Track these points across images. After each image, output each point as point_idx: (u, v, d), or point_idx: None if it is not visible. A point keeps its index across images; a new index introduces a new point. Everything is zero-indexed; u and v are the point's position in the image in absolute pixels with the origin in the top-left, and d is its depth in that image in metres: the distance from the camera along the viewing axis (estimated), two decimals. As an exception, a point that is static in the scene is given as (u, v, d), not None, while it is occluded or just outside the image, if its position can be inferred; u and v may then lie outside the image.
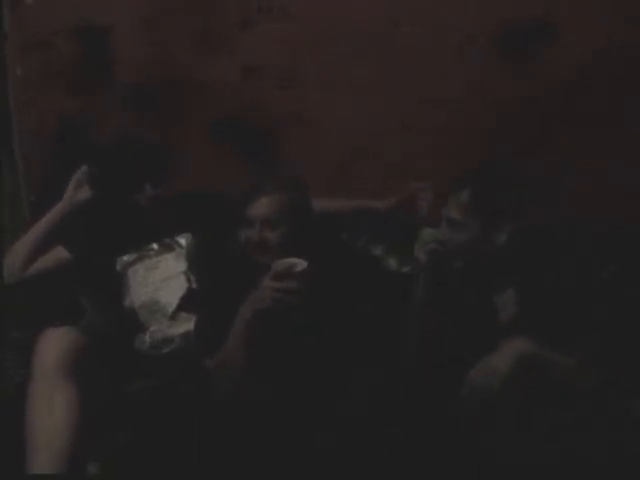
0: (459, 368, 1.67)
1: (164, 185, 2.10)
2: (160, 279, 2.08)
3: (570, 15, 2.07)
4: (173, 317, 2.05)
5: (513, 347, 1.58)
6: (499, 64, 2.16)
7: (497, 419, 1.56)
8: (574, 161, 2.13)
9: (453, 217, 1.76)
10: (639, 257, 1.92)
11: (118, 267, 2.11)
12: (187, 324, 2.02)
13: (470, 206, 1.75)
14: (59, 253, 2.13)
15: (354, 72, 2.31)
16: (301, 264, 1.57)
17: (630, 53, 2.04)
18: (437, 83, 2.23)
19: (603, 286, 1.81)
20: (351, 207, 2.22)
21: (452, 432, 1.58)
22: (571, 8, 2.07)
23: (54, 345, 1.68)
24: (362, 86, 2.31)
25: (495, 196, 1.77)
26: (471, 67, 2.19)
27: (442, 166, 2.23)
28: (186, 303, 2.05)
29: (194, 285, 2.08)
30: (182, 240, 2.13)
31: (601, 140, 2.11)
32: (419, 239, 1.80)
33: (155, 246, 2.13)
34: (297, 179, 2.00)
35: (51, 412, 1.61)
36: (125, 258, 2.11)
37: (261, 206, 1.90)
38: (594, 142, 2.12)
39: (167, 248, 2.13)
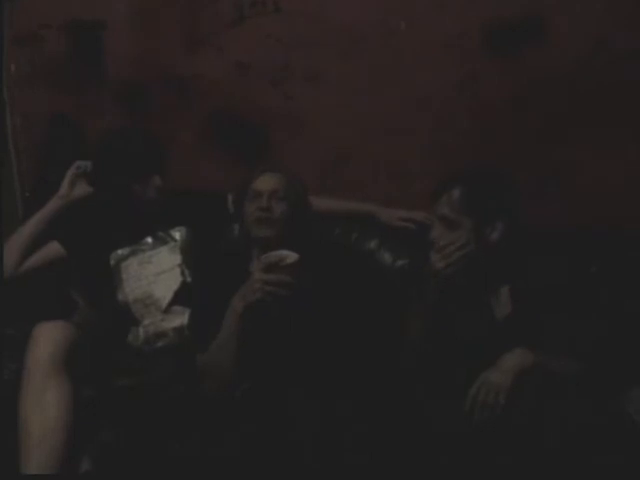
0: (455, 366, 1.67)
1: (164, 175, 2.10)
2: (154, 273, 2.07)
3: (563, 14, 2.07)
4: (167, 311, 2.04)
5: (514, 361, 1.58)
6: (492, 64, 2.15)
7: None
8: (574, 161, 2.12)
9: (446, 214, 1.75)
10: (638, 257, 1.91)
11: (112, 261, 2.10)
12: (180, 317, 2.02)
13: (463, 203, 1.74)
14: (53, 248, 2.11)
15: (347, 69, 2.30)
16: (292, 256, 1.58)
17: (628, 52, 2.03)
18: (430, 82, 2.22)
19: (597, 285, 1.80)
20: (350, 209, 2.22)
21: (450, 431, 1.57)
22: (563, 7, 2.06)
23: (48, 339, 1.68)
24: (355, 83, 2.30)
25: (487, 193, 1.76)
26: (465, 67, 2.18)
27: (435, 166, 2.22)
28: (180, 296, 2.04)
29: (188, 279, 2.07)
30: (176, 234, 2.13)
31: (601, 140, 2.10)
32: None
33: (149, 240, 2.12)
34: (292, 170, 2.01)
35: (44, 407, 1.61)
36: (119, 252, 2.10)
37: (269, 180, 1.93)
38: (594, 142, 2.10)
39: (161, 242, 2.12)
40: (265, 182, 1.93)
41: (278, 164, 2.10)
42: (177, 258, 2.09)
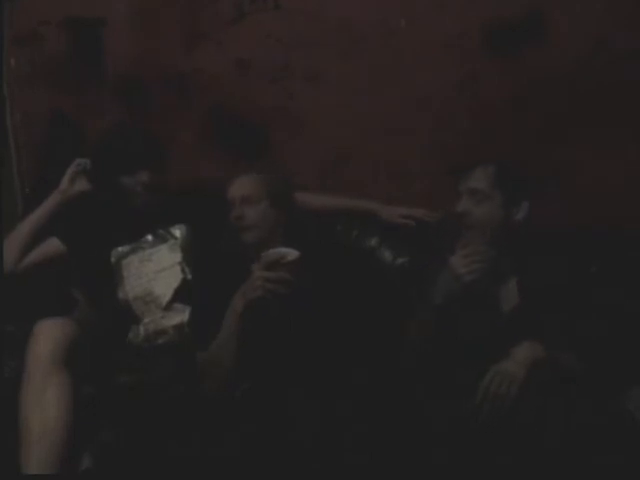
0: (456, 365, 1.67)
1: (159, 174, 2.09)
2: (154, 270, 2.07)
3: (563, 14, 2.07)
4: (167, 308, 2.04)
5: (527, 353, 1.59)
6: (492, 64, 2.16)
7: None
8: (574, 161, 2.12)
9: (478, 187, 1.77)
10: (638, 257, 1.91)
11: (112, 259, 2.09)
12: (181, 315, 2.03)
13: (498, 177, 1.77)
14: (53, 245, 2.11)
15: (347, 69, 2.30)
16: (292, 254, 1.58)
17: (628, 52, 2.03)
18: (430, 82, 2.22)
19: (597, 285, 1.80)
20: (350, 206, 2.22)
21: (450, 431, 1.56)
22: (563, 7, 2.06)
23: (48, 337, 1.68)
24: (355, 83, 2.30)
25: (518, 172, 1.82)
26: (465, 67, 2.18)
27: (435, 166, 2.23)
28: (180, 294, 2.04)
29: (189, 276, 2.07)
30: (176, 231, 2.13)
31: (601, 140, 2.10)
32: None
33: (149, 237, 2.12)
34: (278, 167, 2.02)
35: (44, 405, 1.61)
36: (119, 249, 2.10)
37: (239, 186, 1.94)
38: (594, 142, 2.10)
39: (161, 239, 2.12)
40: (235, 189, 1.94)
41: (272, 164, 2.10)
42: (177, 256, 2.09)
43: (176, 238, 2.12)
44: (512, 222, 1.77)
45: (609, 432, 1.47)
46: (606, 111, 2.08)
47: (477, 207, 1.77)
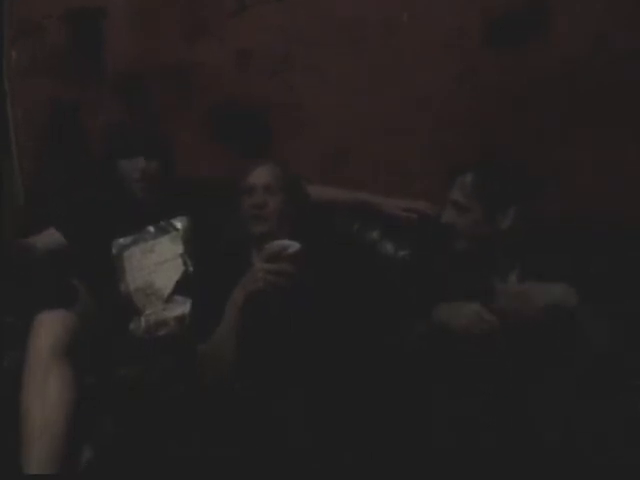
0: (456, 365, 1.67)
1: (158, 165, 2.10)
2: (156, 262, 2.07)
3: (563, 14, 2.07)
4: (168, 300, 2.04)
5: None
6: (492, 64, 2.16)
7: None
8: (574, 161, 2.12)
9: (457, 200, 1.78)
10: (638, 257, 1.91)
11: (114, 250, 2.09)
12: (182, 307, 2.02)
13: (474, 188, 1.77)
14: (53, 236, 2.11)
15: (347, 68, 2.31)
16: (293, 246, 1.58)
17: (628, 52, 2.03)
18: (430, 82, 2.22)
19: (597, 285, 1.80)
20: (352, 199, 2.22)
21: (451, 431, 1.56)
22: (563, 7, 2.06)
23: (48, 330, 1.67)
24: (355, 82, 2.31)
25: (499, 179, 1.79)
26: (465, 67, 2.18)
27: (435, 166, 2.23)
28: (182, 286, 2.04)
29: (190, 268, 2.06)
30: (178, 223, 2.12)
31: (601, 140, 2.10)
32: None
33: (151, 229, 2.11)
34: (285, 162, 2.02)
35: (45, 398, 1.61)
36: (121, 241, 2.09)
37: (262, 174, 1.93)
38: (594, 142, 2.10)
39: (163, 231, 2.11)
40: (257, 177, 1.92)
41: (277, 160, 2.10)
42: (179, 248, 2.08)
43: (178, 230, 2.11)
44: (499, 230, 1.77)
45: (618, 432, 1.48)
46: (606, 111, 2.08)
47: (459, 218, 1.78)
